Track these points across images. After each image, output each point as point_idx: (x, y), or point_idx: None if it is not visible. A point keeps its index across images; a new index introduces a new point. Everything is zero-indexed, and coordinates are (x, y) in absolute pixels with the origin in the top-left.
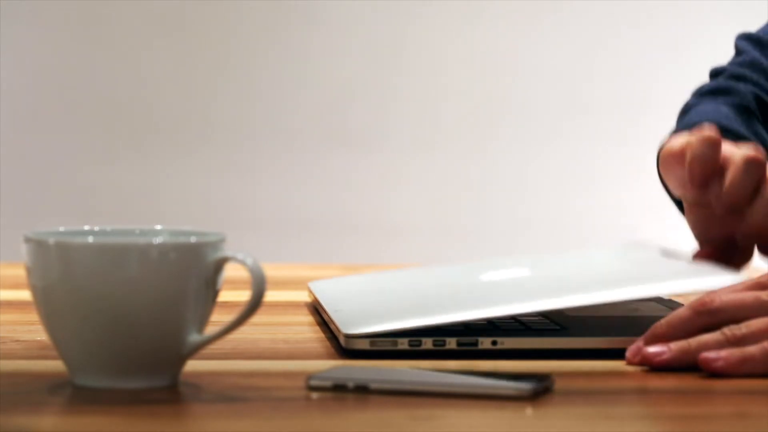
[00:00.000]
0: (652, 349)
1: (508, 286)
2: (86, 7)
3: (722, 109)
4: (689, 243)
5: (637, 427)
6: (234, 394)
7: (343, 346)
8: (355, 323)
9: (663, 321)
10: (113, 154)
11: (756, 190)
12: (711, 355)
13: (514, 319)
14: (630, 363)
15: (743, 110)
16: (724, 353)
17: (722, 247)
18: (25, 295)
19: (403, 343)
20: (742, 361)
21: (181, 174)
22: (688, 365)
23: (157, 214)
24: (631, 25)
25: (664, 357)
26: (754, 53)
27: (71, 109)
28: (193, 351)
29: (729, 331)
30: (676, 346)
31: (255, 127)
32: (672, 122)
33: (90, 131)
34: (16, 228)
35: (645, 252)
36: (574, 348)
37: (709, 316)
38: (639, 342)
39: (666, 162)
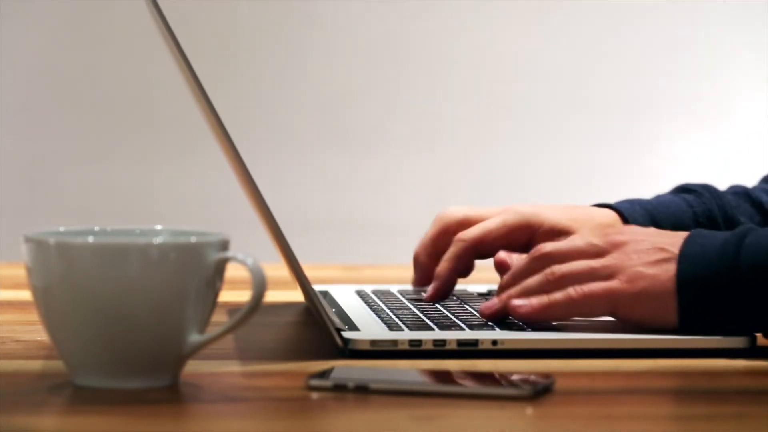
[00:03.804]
0: (484, 304)
1: None
2: (86, 6)
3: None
4: None
5: (637, 427)
6: (234, 394)
7: (343, 347)
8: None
9: (508, 273)
10: (113, 154)
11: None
12: (518, 302)
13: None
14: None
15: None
16: (533, 300)
17: None
18: (25, 295)
19: (403, 343)
20: (547, 306)
21: (181, 174)
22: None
23: (157, 214)
24: (632, 24)
25: (495, 307)
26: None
27: (71, 108)
28: (193, 351)
29: (550, 270)
30: (505, 294)
31: (255, 126)
32: (671, 122)
33: (90, 131)
34: (16, 228)
35: None
36: (574, 348)
37: (541, 261)
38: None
39: None
